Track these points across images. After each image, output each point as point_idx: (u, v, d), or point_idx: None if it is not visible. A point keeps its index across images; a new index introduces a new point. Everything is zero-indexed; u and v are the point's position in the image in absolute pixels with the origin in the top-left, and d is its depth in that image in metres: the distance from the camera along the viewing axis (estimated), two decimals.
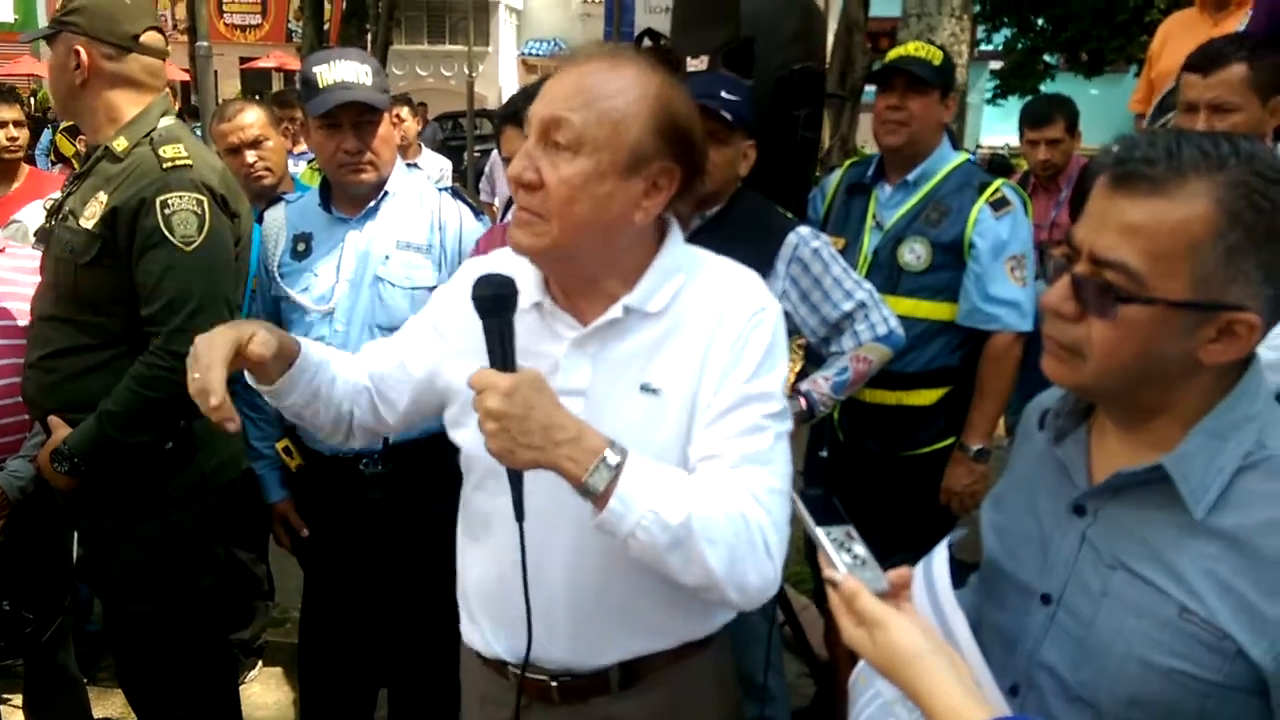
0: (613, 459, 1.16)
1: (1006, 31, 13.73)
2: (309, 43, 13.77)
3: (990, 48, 15.45)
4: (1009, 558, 1.20)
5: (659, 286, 1.32)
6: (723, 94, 2.22)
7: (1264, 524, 0.97)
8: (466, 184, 13.77)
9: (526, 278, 1.34)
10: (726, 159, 2.25)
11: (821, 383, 2.27)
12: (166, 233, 2.01)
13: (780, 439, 1.29)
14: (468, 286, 1.38)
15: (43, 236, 2.42)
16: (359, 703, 2.60)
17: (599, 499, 1.16)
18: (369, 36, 14.85)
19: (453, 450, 2.25)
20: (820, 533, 1.05)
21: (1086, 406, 1.16)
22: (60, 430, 2.10)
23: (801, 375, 2.42)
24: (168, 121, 2.14)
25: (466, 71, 14.63)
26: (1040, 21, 13.05)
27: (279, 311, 2.37)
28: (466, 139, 15.96)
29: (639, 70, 1.27)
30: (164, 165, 2.04)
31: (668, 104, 1.26)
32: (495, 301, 1.19)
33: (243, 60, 24.41)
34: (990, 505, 1.29)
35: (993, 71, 15.65)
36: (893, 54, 2.62)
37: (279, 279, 2.35)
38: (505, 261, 1.36)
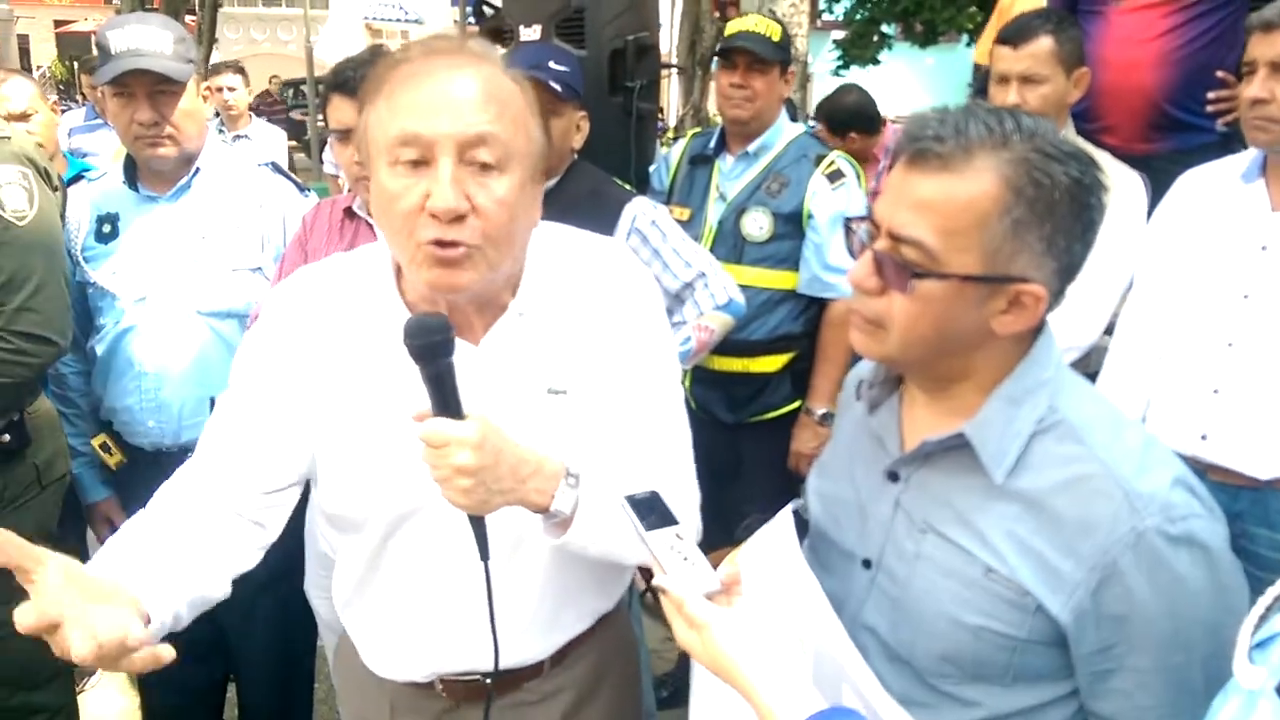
0: (572, 479, 1.15)
1: (847, 2, 14.08)
2: (129, 6, 12.87)
3: (834, 17, 15.80)
4: (832, 524, 1.23)
5: (540, 287, 1.26)
6: (551, 64, 2.19)
7: (1058, 485, 1.02)
8: (310, 154, 13.21)
9: (395, 298, 1.23)
10: (559, 131, 2.22)
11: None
12: None
13: (682, 403, 1.33)
14: (285, 332, 1.27)
15: None
16: (206, 702, 2.48)
17: (563, 522, 1.15)
18: None
19: None
20: (649, 538, 1.03)
21: (897, 376, 1.19)
22: None
23: None
24: None
25: (305, 36, 13.96)
26: None
27: (85, 299, 2.21)
28: (308, 107, 15.30)
29: (504, 67, 1.18)
30: None
31: (532, 96, 1.19)
32: (433, 348, 1.05)
33: (58, 24, 22.63)
34: (815, 473, 1.32)
35: (835, 42, 16.02)
36: (732, 28, 2.63)
37: (84, 263, 2.18)
38: (344, 268, 1.28)
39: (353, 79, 1.92)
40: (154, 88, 2.07)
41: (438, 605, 1.30)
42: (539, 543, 1.21)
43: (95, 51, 2.15)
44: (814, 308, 2.62)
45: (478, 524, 1.13)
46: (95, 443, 2.27)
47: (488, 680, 1.30)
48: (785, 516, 1.17)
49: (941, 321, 1.02)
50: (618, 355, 1.25)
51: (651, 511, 1.05)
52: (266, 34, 25.00)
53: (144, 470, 2.24)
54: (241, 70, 5.43)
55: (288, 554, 2.24)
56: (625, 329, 1.26)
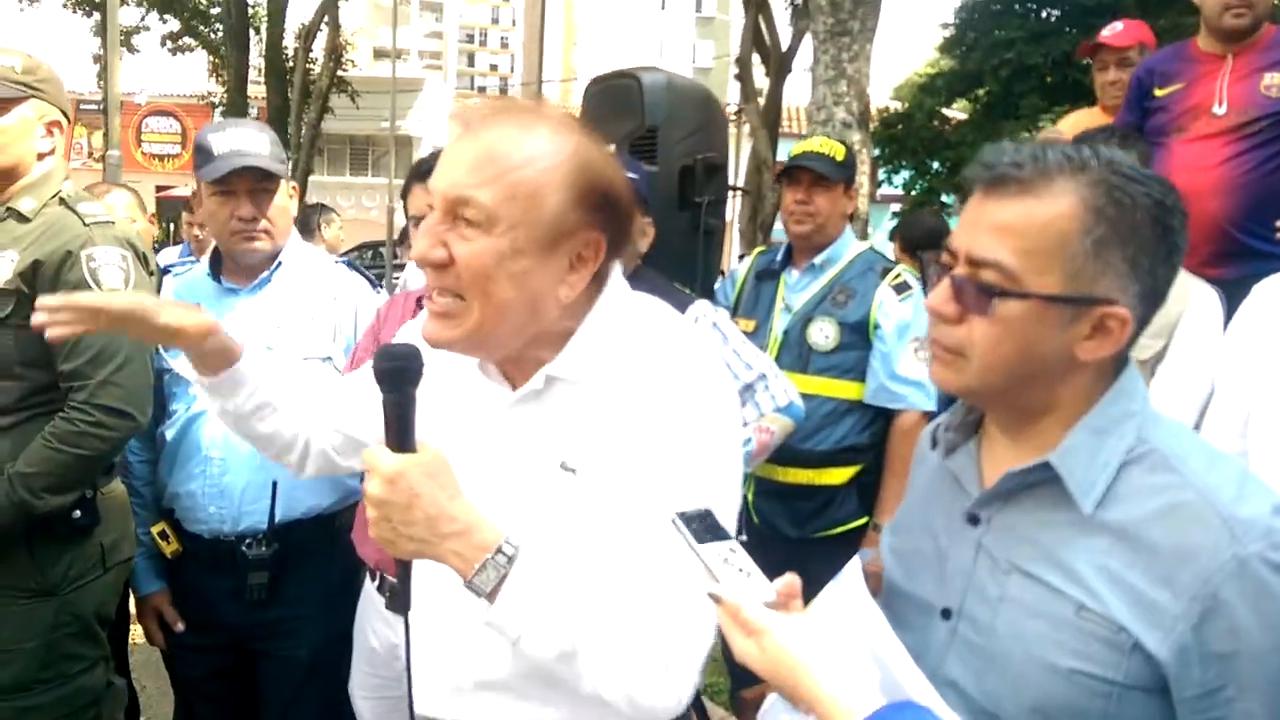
0: (502, 558, 1.06)
1: (906, 174, 14.53)
2: None
3: (893, 190, 16.26)
4: (908, 577, 1.17)
5: (585, 353, 1.19)
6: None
7: (1152, 514, 0.96)
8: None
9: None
10: None
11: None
12: (93, 285, 1.97)
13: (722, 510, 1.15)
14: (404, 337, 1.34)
15: None
16: None
17: (487, 597, 1.08)
18: (290, 165, 14.94)
19: (343, 532, 2.17)
20: (701, 550, 1.00)
21: (975, 420, 1.15)
22: None
23: None
24: (69, 185, 2.13)
25: (389, 199, 14.78)
26: (935, 165, 13.88)
27: (162, 386, 2.26)
28: (385, 266, 16.07)
29: (553, 132, 1.15)
30: (86, 222, 2.04)
31: (586, 167, 1.14)
32: (396, 375, 1.08)
33: (159, 189, 24.32)
34: (888, 530, 1.27)
35: (894, 213, 16.43)
36: (797, 149, 2.72)
37: (163, 351, 2.25)
38: None
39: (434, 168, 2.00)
40: (255, 185, 2.19)
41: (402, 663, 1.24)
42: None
43: (195, 153, 2.28)
44: (881, 420, 2.58)
45: (402, 568, 1.11)
46: (154, 530, 2.27)
47: None
48: (853, 567, 1.11)
49: (1024, 346, 1.00)
50: (638, 449, 1.13)
51: (703, 526, 1.01)
52: (352, 201, 26.54)
53: (199, 560, 2.24)
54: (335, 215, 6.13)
55: (334, 648, 2.19)
56: (655, 425, 1.14)
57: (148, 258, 2.15)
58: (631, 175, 2.29)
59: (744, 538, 2.74)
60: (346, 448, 1.44)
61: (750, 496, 2.63)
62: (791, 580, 0.99)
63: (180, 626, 2.31)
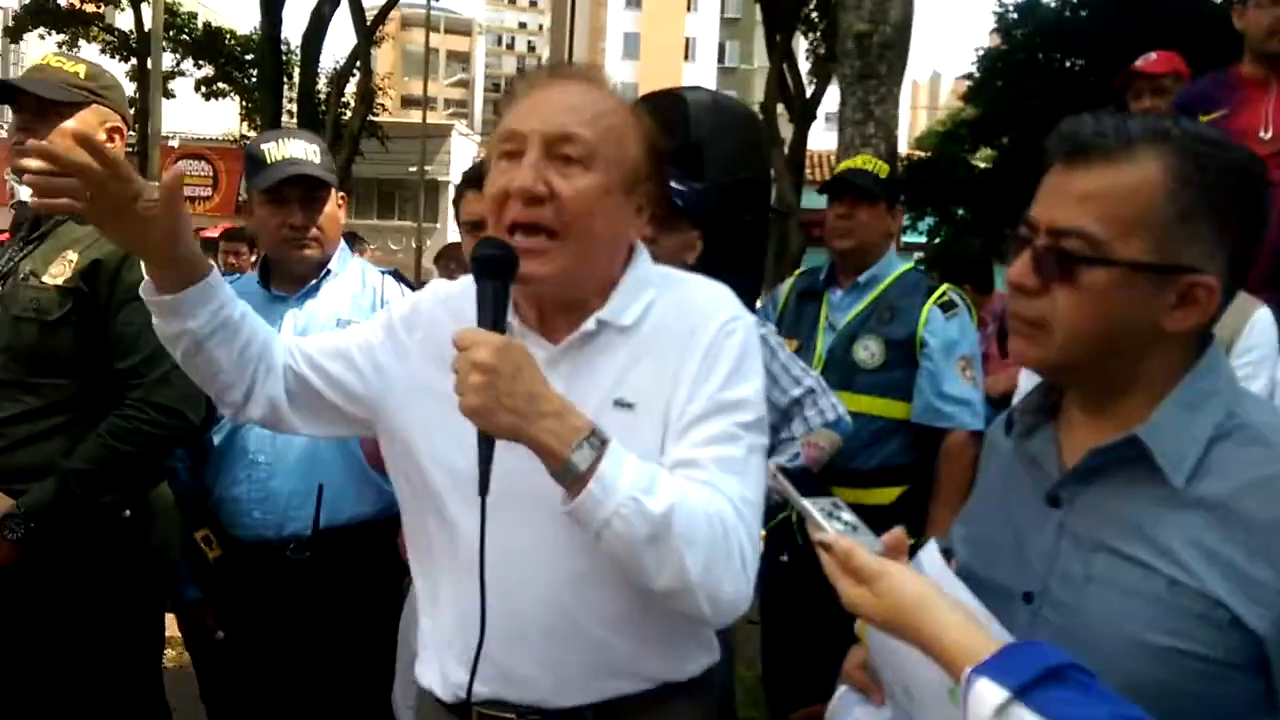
0: (596, 440, 1.11)
1: (930, 220, 14.55)
2: None
3: (916, 239, 16.27)
4: (984, 565, 1.14)
5: (631, 300, 1.29)
6: (672, 183, 2.28)
7: (1245, 487, 0.94)
8: None
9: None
10: (675, 245, 2.28)
11: (773, 469, 2.23)
12: None
13: (754, 451, 1.25)
14: (429, 299, 1.41)
15: None
16: None
17: (577, 481, 1.10)
18: None
19: (386, 541, 2.16)
20: (807, 503, 1.02)
21: (1053, 404, 1.13)
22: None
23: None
24: None
25: (417, 241, 14.96)
26: (960, 211, 13.90)
27: None
28: None
29: (617, 94, 1.30)
30: None
31: (650, 124, 1.30)
32: (495, 263, 1.16)
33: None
34: (959, 523, 1.25)
35: (917, 260, 16.42)
36: (841, 166, 2.74)
37: None
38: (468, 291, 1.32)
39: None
40: (305, 194, 2.22)
41: (465, 603, 1.24)
42: (601, 577, 1.21)
43: (246, 162, 2.31)
44: (928, 439, 2.55)
45: (485, 446, 1.12)
46: (198, 535, 2.27)
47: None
48: (930, 549, 1.10)
49: (1109, 316, 0.98)
50: (689, 378, 1.24)
51: (805, 484, 1.03)
52: (377, 243, 26.86)
53: (242, 564, 2.23)
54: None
55: (375, 657, 2.17)
56: (703, 355, 1.24)
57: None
58: (683, 187, 2.31)
59: (785, 558, 2.69)
60: (300, 401, 1.37)
61: (795, 515, 2.59)
62: (898, 533, 0.99)
63: (220, 634, 2.30)
